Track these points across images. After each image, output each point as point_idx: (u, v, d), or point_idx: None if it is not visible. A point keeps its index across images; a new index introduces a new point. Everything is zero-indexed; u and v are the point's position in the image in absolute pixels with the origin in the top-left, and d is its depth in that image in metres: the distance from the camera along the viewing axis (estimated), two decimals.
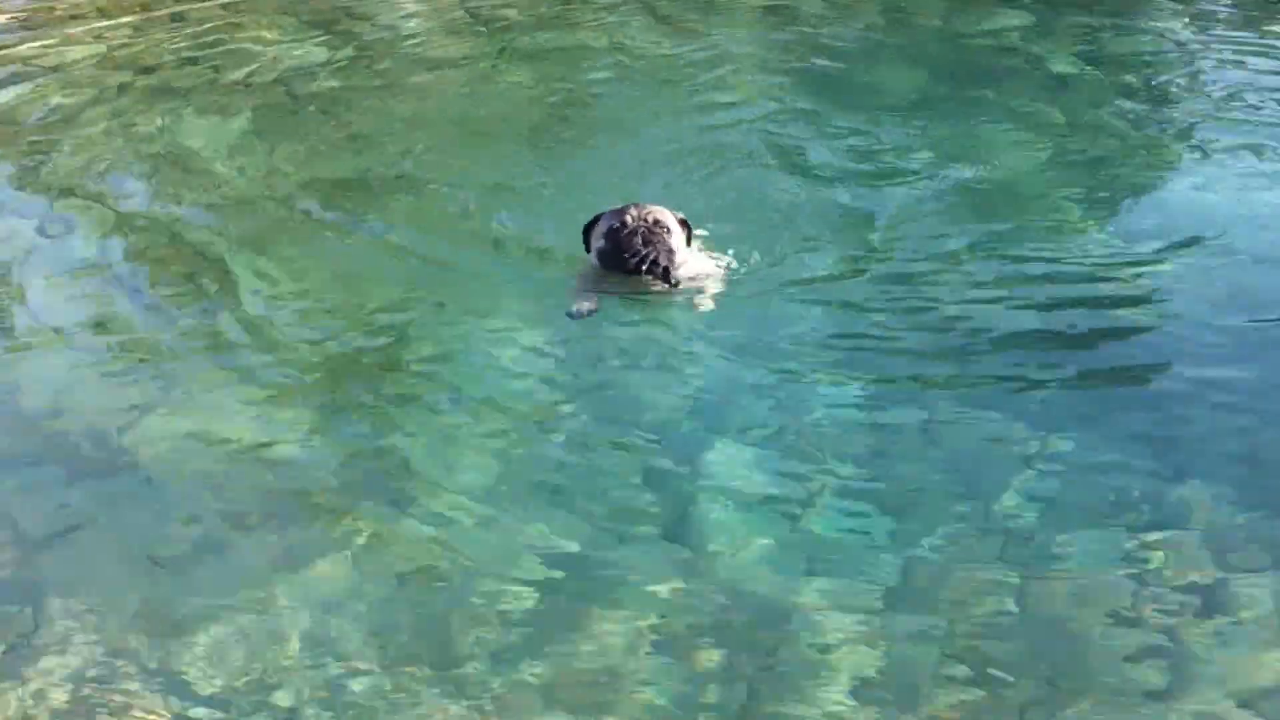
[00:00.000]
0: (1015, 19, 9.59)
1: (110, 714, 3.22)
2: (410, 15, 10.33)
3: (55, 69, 8.85)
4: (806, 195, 6.40)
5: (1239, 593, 3.52)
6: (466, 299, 5.40)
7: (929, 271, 5.53)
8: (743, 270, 5.43)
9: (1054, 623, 3.44)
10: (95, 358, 4.98)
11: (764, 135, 7.29)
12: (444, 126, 7.78)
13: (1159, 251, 5.67)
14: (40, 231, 6.22)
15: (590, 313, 5.08)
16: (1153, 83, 8.42)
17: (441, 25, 10.06)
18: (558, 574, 3.67)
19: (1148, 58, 8.98)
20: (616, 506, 3.99)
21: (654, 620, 3.46)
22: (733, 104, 7.96)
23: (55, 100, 8.17)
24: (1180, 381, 4.65)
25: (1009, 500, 3.95)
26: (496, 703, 3.21)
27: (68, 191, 6.66)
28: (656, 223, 5.23)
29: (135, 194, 6.64)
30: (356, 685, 3.27)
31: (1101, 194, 6.50)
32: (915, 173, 6.71)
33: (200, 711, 3.20)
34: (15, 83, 8.53)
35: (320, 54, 9.13)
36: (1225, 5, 10.18)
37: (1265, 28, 9.39)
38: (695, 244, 5.45)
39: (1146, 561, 3.65)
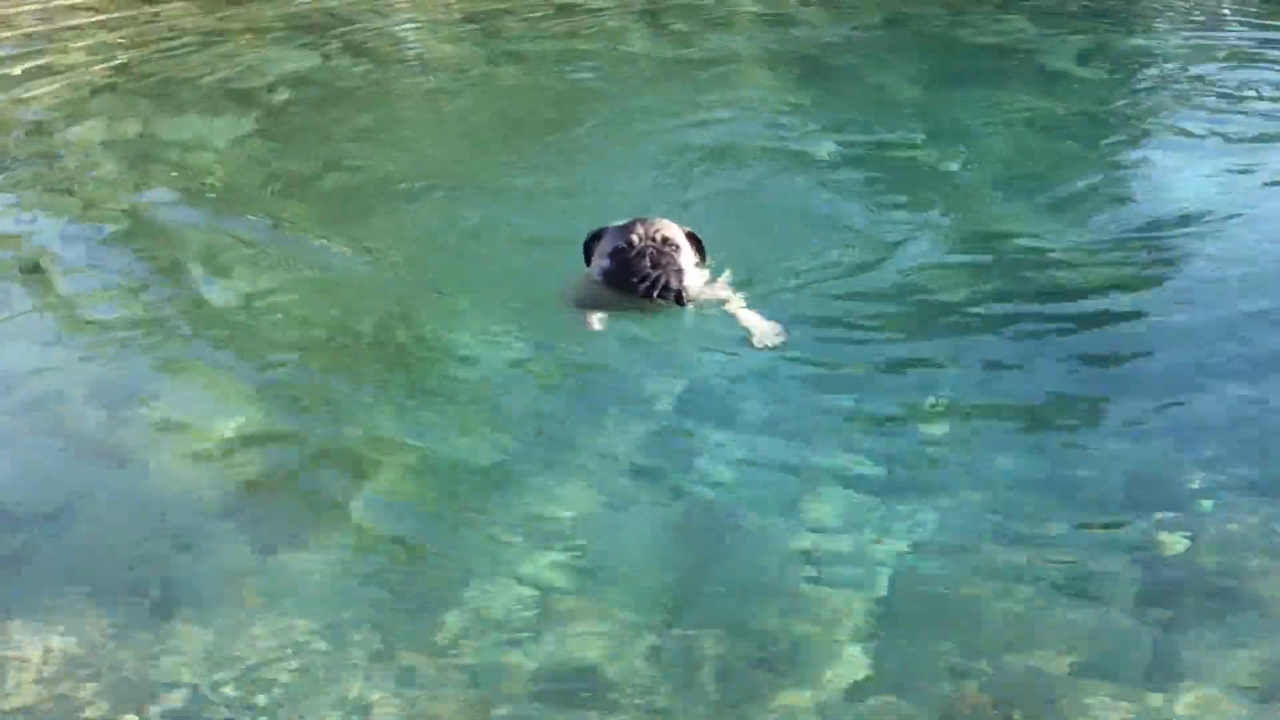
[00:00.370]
0: (1016, 20, 9.60)
1: (82, 703, 3.17)
2: (407, 20, 10.32)
3: (49, 70, 8.83)
4: (806, 199, 6.35)
5: (1243, 585, 3.48)
6: (456, 299, 5.27)
7: (928, 268, 5.48)
8: (739, 277, 5.27)
9: (1052, 612, 3.39)
10: (79, 350, 4.95)
11: (760, 139, 7.25)
12: (443, 128, 7.79)
13: (1157, 245, 5.68)
14: (30, 227, 6.21)
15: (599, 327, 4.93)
16: (1155, 81, 8.44)
17: (440, 29, 10.05)
18: (547, 567, 3.59)
19: (1148, 59, 9.00)
20: (606, 496, 3.92)
21: (655, 619, 3.39)
22: (730, 107, 7.92)
23: (48, 100, 8.15)
24: (1181, 370, 4.62)
25: (1010, 489, 3.91)
26: (485, 694, 3.16)
27: (60, 190, 6.66)
28: (665, 240, 4.95)
29: (127, 192, 6.63)
30: (332, 674, 3.22)
31: (1103, 192, 6.47)
32: (914, 175, 6.70)
33: (176, 695, 3.18)
34: (11, 83, 8.51)
35: (313, 59, 9.14)
36: (1229, 5, 10.20)
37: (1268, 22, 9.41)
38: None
39: (1147, 552, 3.61)
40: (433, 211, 6.29)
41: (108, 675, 3.25)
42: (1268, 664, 3.19)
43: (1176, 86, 8.35)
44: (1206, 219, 5.87)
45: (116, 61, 9.19)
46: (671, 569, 3.62)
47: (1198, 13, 9.96)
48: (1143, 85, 8.41)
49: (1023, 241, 5.79)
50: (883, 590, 3.48)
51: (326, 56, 9.29)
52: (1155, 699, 3.09)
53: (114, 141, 7.46)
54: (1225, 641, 3.25)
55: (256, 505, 3.97)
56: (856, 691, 3.13)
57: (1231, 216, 5.89)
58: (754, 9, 10.36)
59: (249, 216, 6.26)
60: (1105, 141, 7.24)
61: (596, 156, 7.11)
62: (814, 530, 3.74)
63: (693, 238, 5.12)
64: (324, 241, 5.89)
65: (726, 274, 5.22)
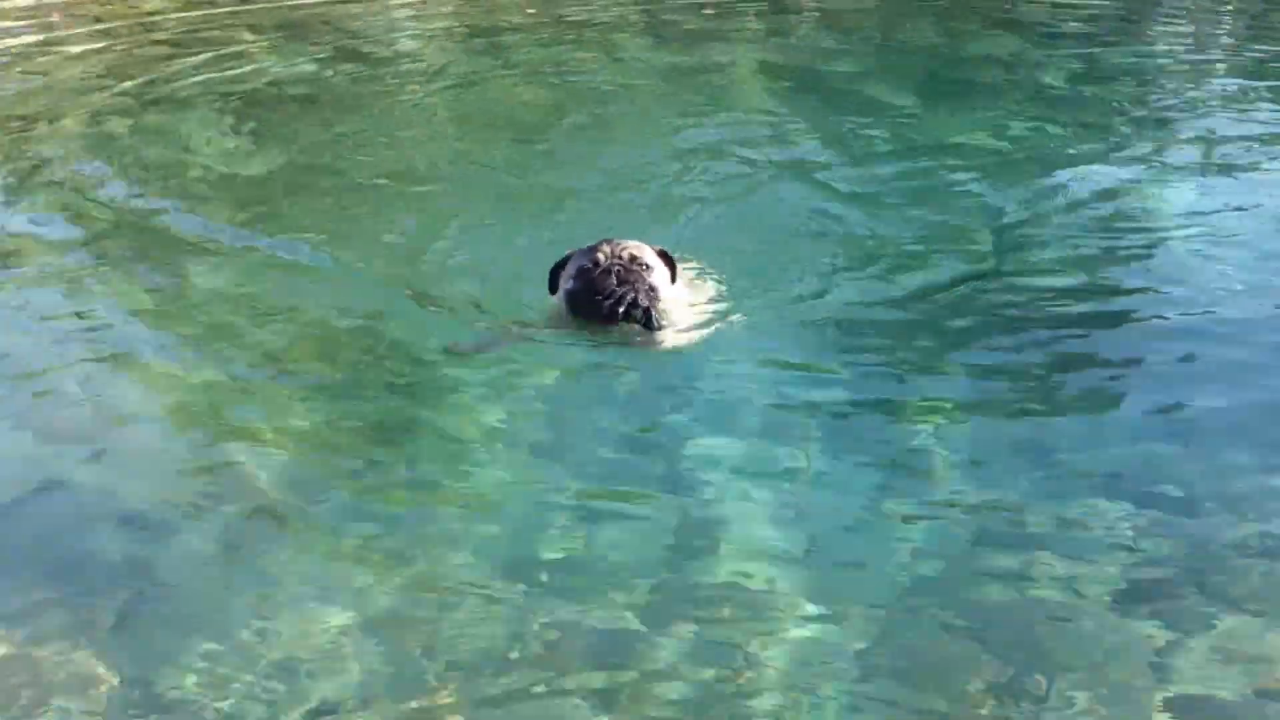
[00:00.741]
0: (1009, 37, 9.59)
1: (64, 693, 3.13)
2: (403, 24, 10.32)
3: (39, 69, 8.85)
4: (799, 207, 6.32)
5: (1244, 576, 3.48)
6: (442, 304, 5.22)
7: (922, 274, 5.49)
8: (730, 291, 5.21)
9: (1053, 606, 3.38)
10: (68, 345, 4.91)
11: (755, 149, 7.24)
12: (436, 133, 7.77)
13: (1151, 251, 5.71)
14: (12, 221, 6.20)
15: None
16: (1148, 95, 8.43)
17: (435, 35, 10.05)
18: (543, 571, 3.55)
19: (1141, 75, 8.98)
20: (604, 503, 3.86)
21: (653, 620, 3.36)
22: (726, 116, 7.95)
23: (43, 99, 8.15)
24: (1176, 371, 4.65)
25: (1004, 490, 3.90)
26: (485, 696, 3.12)
27: (45, 187, 6.64)
28: (633, 259, 4.61)
29: (118, 191, 6.59)
30: (317, 669, 3.18)
31: (1096, 202, 6.45)
32: (908, 184, 6.71)
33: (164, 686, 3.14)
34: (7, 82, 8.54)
35: (309, 64, 9.12)
36: (1225, 12, 10.18)
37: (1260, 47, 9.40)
38: (680, 280, 4.87)
39: (1143, 552, 3.59)
40: (424, 215, 6.28)
41: (58, 672, 3.19)
42: (1265, 664, 3.19)
43: (1170, 101, 8.42)
44: (1200, 226, 5.94)
45: (107, 60, 9.20)
46: (659, 573, 3.57)
47: (1192, 31, 9.95)
48: (1136, 100, 8.43)
49: (1017, 248, 5.82)
50: (881, 590, 3.46)
51: (320, 60, 9.30)
52: (1151, 699, 3.08)
53: (102, 140, 7.44)
54: (1222, 642, 3.25)
55: (230, 500, 3.90)
56: (854, 692, 3.12)
57: (1225, 226, 5.96)
58: (752, 21, 10.34)
59: (237, 216, 6.26)
60: (1098, 153, 7.25)
61: (589, 165, 7.08)
62: (806, 532, 3.71)
63: (665, 257, 4.80)
64: (309, 243, 5.87)
65: (710, 285, 5.14)
